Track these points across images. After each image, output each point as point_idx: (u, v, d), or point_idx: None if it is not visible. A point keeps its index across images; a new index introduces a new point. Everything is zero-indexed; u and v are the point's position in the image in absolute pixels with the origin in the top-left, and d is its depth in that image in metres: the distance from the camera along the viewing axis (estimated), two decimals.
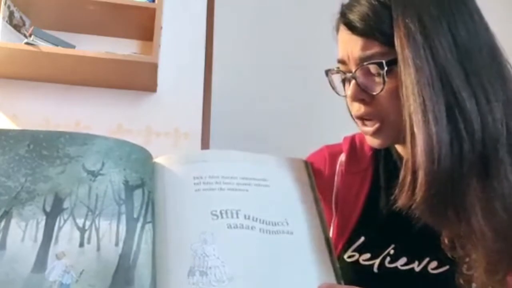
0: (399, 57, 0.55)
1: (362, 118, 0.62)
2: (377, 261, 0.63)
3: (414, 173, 0.54)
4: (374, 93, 0.59)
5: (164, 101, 1.71)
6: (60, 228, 0.49)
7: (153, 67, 1.53)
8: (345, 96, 0.64)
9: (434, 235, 0.58)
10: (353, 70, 0.60)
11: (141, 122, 1.66)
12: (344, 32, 0.62)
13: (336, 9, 0.65)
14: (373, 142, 0.64)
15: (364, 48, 0.58)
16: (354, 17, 0.59)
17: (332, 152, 0.74)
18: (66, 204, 0.50)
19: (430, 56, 0.54)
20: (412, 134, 0.54)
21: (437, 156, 0.51)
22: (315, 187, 0.65)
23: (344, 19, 0.61)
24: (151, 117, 1.68)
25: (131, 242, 0.50)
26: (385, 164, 0.69)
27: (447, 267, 0.60)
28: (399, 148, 0.68)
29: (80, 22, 1.63)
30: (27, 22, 1.59)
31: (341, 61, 0.63)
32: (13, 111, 1.56)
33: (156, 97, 1.71)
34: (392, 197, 0.57)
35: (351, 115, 0.66)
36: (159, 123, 1.67)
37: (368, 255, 0.64)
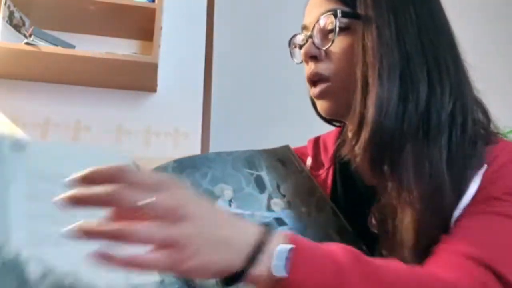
0: (362, 17, 0.58)
1: (313, 81, 0.63)
2: None
3: (360, 125, 0.57)
4: (325, 47, 0.61)
5: (164, 101, 1.71)
6: None
7: (153, 67, 1.53)
8: (299, 63, 0.67)
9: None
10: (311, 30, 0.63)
11: (141, 122, 1.66)
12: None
13: None
14: (321, 106, 0.65)
15: (325, 6, 0.62)
16: None
17: (300, 154, 0.74)
18: None
19: (393, 21, 0.58)
20: (364, 88, 0.57)
21: (385, 110, 0.55)
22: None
23: None
24: (151, 117, 1.68)
25: None
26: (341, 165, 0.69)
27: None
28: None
29: (80, 22, 1.63)
30: (27, 22, 1.59)
31: (304, 27, 0.65)
32: (13, 111, 1.56)
33: (156, 97, 1.71)
34: (336, 147, 0.61)
35: (310, 98, 0.68)
36: (159, 123, 1.67)
37: None
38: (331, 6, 0.61)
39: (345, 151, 0.60)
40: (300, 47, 0.66)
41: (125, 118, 1.65)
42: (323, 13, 0.61)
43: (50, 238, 0.47)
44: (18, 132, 1.53)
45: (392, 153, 0.56)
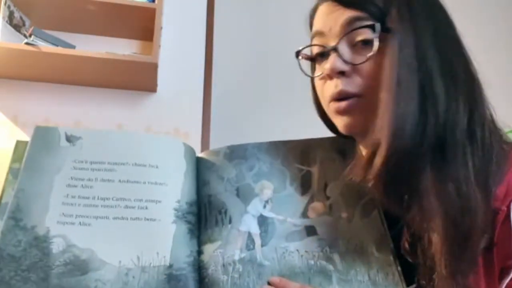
0: (396, 31, 0.54)
1: (338, 99, 0.58)
2: None
3: (375, 147, 0.53)
4: (359, 63, 0.56)
5: (164, 101, 1.71)
6: None
7: (153, 67, 1.53)
8: (316, 77, 0.62)
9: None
10: (335, 42, 0.58)
11: (141, 122, 1.66)
12: (328, 5, 0.60)
13: None
14: (343, 122, 0.59)
15: (351, 16, 0.56)
16: None
17: None
18: None
19: (414, 35, 0.54)
20: (384, 108, 0.53)
21: (401, 131, 0.51)
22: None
23: None
24: (151, 117, 1.67)
25: None
26: None
27: (414, 286, 0.56)
28: (363, 151, 0.64)
29: (80, 22, 1.63)
30: (27, 22, 1.59)
31: (319, 33, 0.60)
32: (13, 111, 1.56)
33: (156, 97, 1.71)
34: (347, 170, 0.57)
35: (316, 105, 0.65)
36: (159, 123, 1.67)
37: None
38: (358, 12, 0.56)
39: (356, 173, 0.55)
40: (313, 57, 0.62)
41: (125, 118, 1.65)
42: (349, 20, 0.56)
43: (77, 219, 0.56)
44: (18, 132, 1.53)
45: (409, 178, 0.52)
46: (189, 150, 0.65)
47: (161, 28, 1.61)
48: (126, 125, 1.64)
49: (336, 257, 0.56)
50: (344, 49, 0.57)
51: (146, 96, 1.70)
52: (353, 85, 0.57)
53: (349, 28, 0.57)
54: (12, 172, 0.59)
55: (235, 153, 0.64)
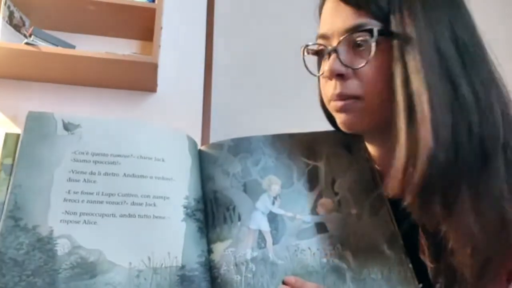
0: (401, 35, 0.52)
1: (338, 100, 0.58)
2: None
3: (409, 160, 0.50)
4: (358, 67, 0.55)
5: (164, 101, 1.71)
6: None
7: (153, 67, 1.53)
8: (321, 75, 0.61)
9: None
10: (336, 43, 0.56)
11: None
12: (332, 3, 0.59)
13: None
14: (343, 119, 0.58)
15: (354, 19, 0.55)
16: None
17: None
18: None
19: (433, 39, 0.52)
20: (410, 117, 0.50)
21: (441, 142, 0.49)
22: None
23: None
24: (151, 117, 1.67)
25: None
26: None
27: (420, 285, 0.55)
28: (373, 149, 0.64)
29: (80, 22, 1.63)
30: (27, 22, 1.59)
31: (323, 36, 0.59)
32: (13, 111, 1.56)
33: (156, 97, 1.71)
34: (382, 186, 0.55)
35: (320, 100, 0.64)
36: (159, 123, 1.67)
37: None
38: (361, 20, 0.55)
39: (393, 189, 0.52)
40: (316, 53, 0.61)
41: (125, 118, 1.65)
42: (351, 29, 0.55)
43: (81, 217, 0.52)
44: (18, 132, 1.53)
45: (447, 192, 0.50)
46: (193, 143, 0.62)
47: (161, 28, 1.61)
48: None
49: (348, 255, 0.55)
50: (343, 51, 0.56)
51: (146, 96, 1.70)
52: (352, 87, 0.56)
53: (348, 31, 0.55)
54: (5, 169, 0.53)
55: (240, 146, 0.62)
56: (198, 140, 1.68)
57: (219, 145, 0.63)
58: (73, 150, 0.55)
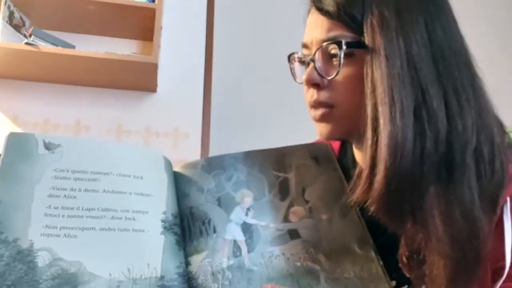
0: (369, 45, 0.53)
1: (314, 107, 0.59)
2: None
3: (373, 168, 0.51)
4: (329, 77, 0.56)
5: (164, 101, 1.71)
6: None
7: (153, 67, 1.53)
8: (300, 83, 0.62)
9: (392, 253, 0.55)
10: (313, 53, 0.58)
11: (141, 122, 1.66)
12: (313, 14, 0.60)
13: None
14: (321, 130, 0.60)
15: (328, 30, 0.56)
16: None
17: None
18: None
19: (403, 48, 0.52)
20: (375, 126, 0.51)
21: (400, 151, 0.49)
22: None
23: (315, 1, 0.59)
24: (151, 117, 1.68)
25: None
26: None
27: (406, 286, 0.57)
28: (357, 154, 0.65)
29: (80, 22, 1.63)
30: (27, 22, 1.59)
31: (305, 45, 0.61)
32: (13, 111, 1.56)
33: (156, 97, 1.71)
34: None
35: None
36: (159, 124, 1.67)
37: None
38: (335, 32, 0.56)
39: (357, 196, 0.54)
40: (300, 61, 0.63)
41: (125, 118, 1.65)
42: (325, 40, 0.56)
43: (62, 231, 0.53)
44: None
45: (412, 199, 0.51)
46: (168, 163, 0.65)
47: (161, 28, 1.61)
48: (126, 125, 1.65)
49: (321, 257, 0.57)
50: (319, 61, 0.58)
51: (146, 96, 1.70)
52: (326, 96, 0.58)
53: (324, 41, 0.57)
54: None
55: (213, 164, 0.65)
56: (198, 140, 1.71)
57: (193, 165, 0.66)
58: (54, 167, 0.57)
